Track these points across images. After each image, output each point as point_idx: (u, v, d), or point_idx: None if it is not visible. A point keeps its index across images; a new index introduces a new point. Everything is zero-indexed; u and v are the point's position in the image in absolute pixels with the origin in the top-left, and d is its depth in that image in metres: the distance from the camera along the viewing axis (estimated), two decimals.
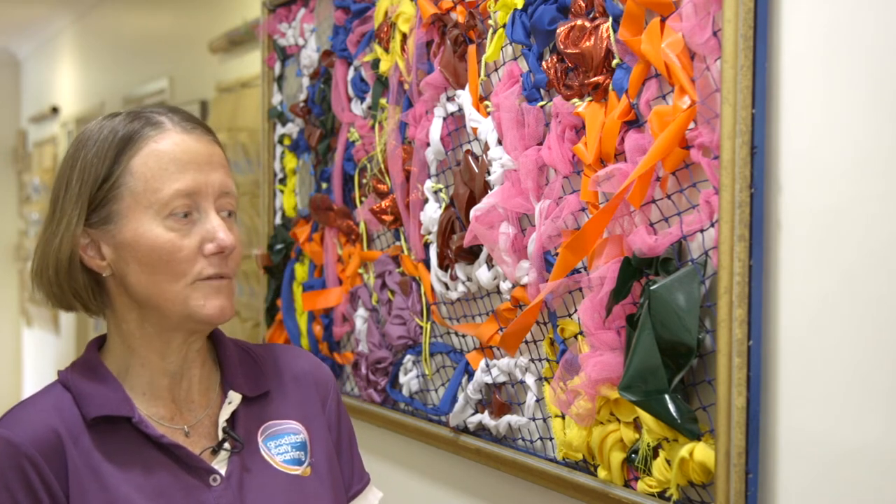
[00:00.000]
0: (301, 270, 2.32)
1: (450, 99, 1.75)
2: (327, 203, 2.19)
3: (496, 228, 1.59)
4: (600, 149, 1.40)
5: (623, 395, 1.31)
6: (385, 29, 1.94)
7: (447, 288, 1.79)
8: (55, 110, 5.99)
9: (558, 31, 1.45)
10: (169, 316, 1.14)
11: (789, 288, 1.20)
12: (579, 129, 1.46)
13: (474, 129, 1.67)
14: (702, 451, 1.25)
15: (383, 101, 1.97)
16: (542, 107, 1.52)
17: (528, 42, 1.54)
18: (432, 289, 1.82)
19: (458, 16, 1.70)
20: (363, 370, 2.06)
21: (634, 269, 1.33)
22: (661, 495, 1.34)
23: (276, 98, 2.46)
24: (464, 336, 1.79)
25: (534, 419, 1.59)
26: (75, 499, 1.08)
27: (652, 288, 1.28)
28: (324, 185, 2.22)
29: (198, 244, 1.13)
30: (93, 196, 1.13)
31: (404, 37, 1.88)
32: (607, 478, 1.42)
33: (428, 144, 1.79)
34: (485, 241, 1.61)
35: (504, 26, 1.60)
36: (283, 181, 2.43)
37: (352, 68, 2.09)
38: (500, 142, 1.61)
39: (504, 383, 1.66)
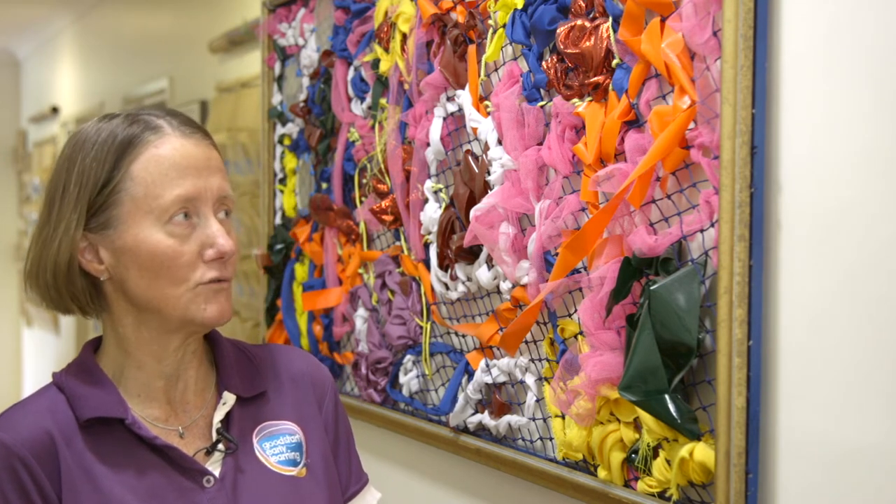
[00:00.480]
0: (301, 270, 2.32)
1: (450, 99, 1.75)
2: (327, 203, 2.19)
3: (496, 228, 1.59)
4: (600, 149, 1.40)
5: (623, 395, 1.31)
6: (385, 29, 1.94)
7: (447, 288, 1.79)
8: (55, 110, 5.99)
9: (558, 31, 1.45)
10: (169, 320, 1.14)
11: (789, 288, 1.20)
12: (579, 129, 1.46)
13: (474, 129, 1.67)
14: (702, 451, 1.25)
15: (383, 101, 1.97)
16: (542, 107, 1.52)
17: (528, 42, 1.54)
18: (432, 289, 1.82)
19: (458, 16, 1.70)
20: (363, 370, 2.06)
21: (634, 269, 1.33)
22: (661, 495, 1.34)
23: (276, 98, 2.46)
24: (464, 336, 1.79)
25: (534, 419, 1.59)
26: (68, 500, 1.08)
27: (652, 288, 1.28)
28: (324, 185, 2.22)
29: (198, 249, 1.12)
30: (92, 200, 1.12)
31: (404, 37, 1.87)
32: (607, 478, 1.42)
33: (428, 144, 1.79)
34: (485, 241, 1.61)
35: (504, 26, 1.59)
36: (283, 181, 2.43)
37: (352, 68, 2.09)
38: (500, 142, 1.61)
39: (504, 383, 1.66)
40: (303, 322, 2.29)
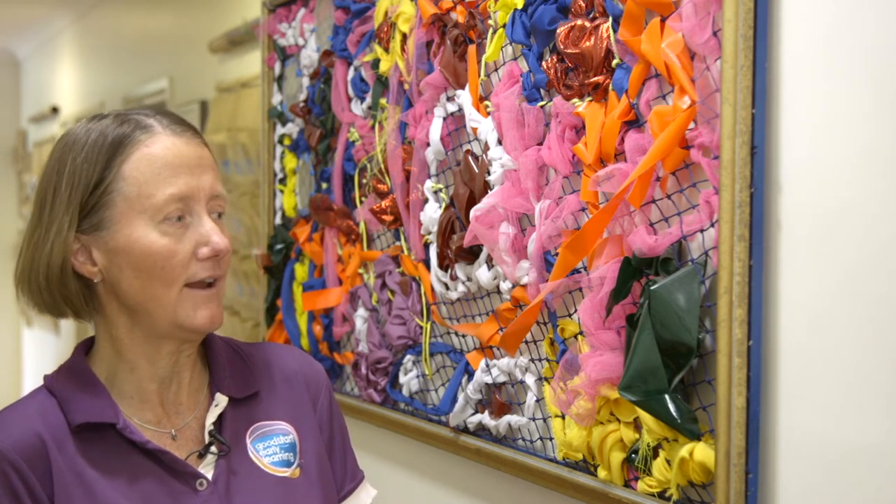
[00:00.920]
0: (301, 270, 2.32)
1: (450, 99, 1.75)
2: (327, 203, 2.19)
3: (496, 228, 1.59)
4: (600, 149, 1.40)
5: (623, 395, 1.31)
6: (385, 29, 1.94)
7: (447, 288, 1.79)
8: (55, 110, 5.99)
9: (558, 31, 1.45)
10: (159, 324, 1.13)
11: (789, 288, 1.20)
12: (579, 129, 1.46)
13: (474, 129, 1.67)
14: (702, 451, 1.25)
15: (383, 101, 1.97)
16: (542, 107, 1.52)
17: (528, 42, 1.54)
18: (432, 289, 1.82)
19: (458, 16, 1.70)
20: (363, 370, 2.06)
21: (634, 269, 1.33)
22: (661, 495, 1.34)
23: (276, 98, 2.45)
24: (464, 336, 1.79)
25: (534, 419, 1.59)
26: None
27: (652, 288, 1.28)
28: (324, 185, 2.22)
29: (192, 248, 1.12)
30: (84, 202, 1.11)
31: (404, 37, 1.87)
32: (607, 478, 1.42)
33: (428, 144, 1.79)
34: (485, 241, 1.61)
35: (504, 26, 1.59)
36: (283, 181, 2.43)
37: (352, 68, 2.09)
38: (500, 142, 1.61)
39: (504, 383, 1.66)
40: (303, 322, 2.29)
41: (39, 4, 5.36)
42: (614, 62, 1.38)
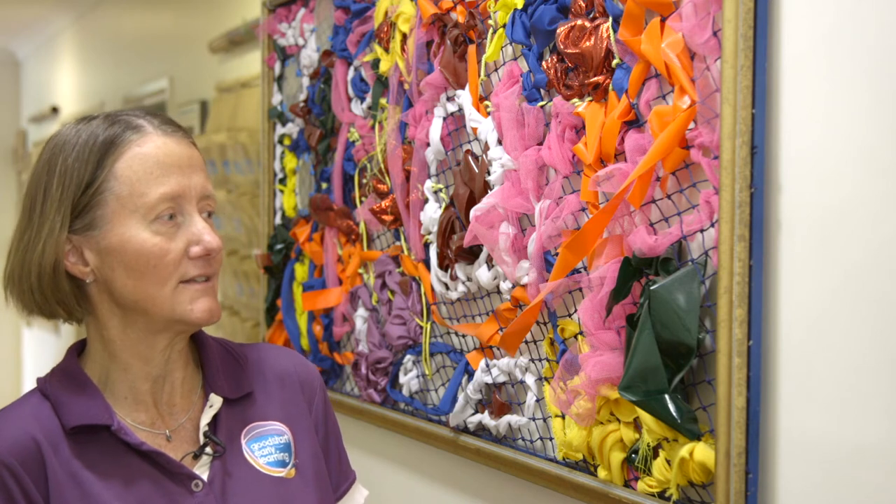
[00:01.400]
0: (301, 270, 2.32)
1: (450, 99, 1.75)
2: (327, 203, 2.19)
3: (496, 228, 1.59)
4: (600, 149, 1.40)
5: (623, 395, 1.31)
6: (385, 29, 1.94)
7: (447, 288, 1.79)
8: (55, 110, 5.99)
9: (558, 31, 1.45)
10: (156, 320, 1.13)
11: (789, 288, 1.20)
12: (579, 129, 1.46)
13: (474, 129, 1.67)
14: (702, 451, 1.25)
15: (383, 101, 1.97)
16: (542, 107, 1.52)
17: (528, 42, 1.54)
18: (432, 289, 1.82)
19: (458, 16, 1.70)
20: (363, 370, 2.06)
21: (634, 269, 1.33)
22: (661, 495, 1.34)
23: (276, 98, 2.45)
24: (464, 336, 1.79)
25: (534, 419, 1.59)
26: None
27: (652, 288, 1.28)
28: (324, 185, 2.22)
29: (184, 247, 1.12)
30: (76, 202, 1.11)
31: (404, 37, 1.87)
32: (607, 478, 1.42)
33: (428, 144, 1.79)
34: (485, 241, 1.61)
35: (504, 26, 1.59)
36: (283, 181, 2.43)
37: (352, 68, 2.09)
38: (500, 142, 1.61)
39: (504, 383, 1.66)
40: (303, 322, 2.29)
41: (39, 4, 5.36)
42: (614, 62, 1.38)
